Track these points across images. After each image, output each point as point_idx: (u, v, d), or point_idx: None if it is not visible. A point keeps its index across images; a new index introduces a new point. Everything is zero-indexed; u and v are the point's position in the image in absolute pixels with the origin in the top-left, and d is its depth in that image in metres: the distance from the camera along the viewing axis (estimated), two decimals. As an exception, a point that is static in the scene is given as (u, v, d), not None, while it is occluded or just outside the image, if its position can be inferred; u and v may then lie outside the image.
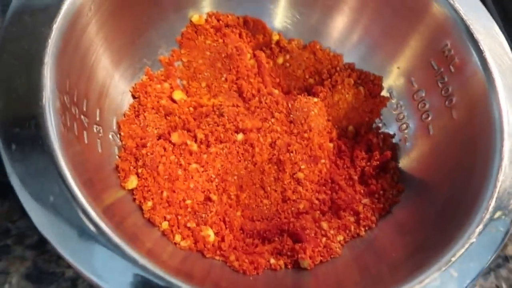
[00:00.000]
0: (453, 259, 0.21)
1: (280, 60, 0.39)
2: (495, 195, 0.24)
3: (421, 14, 0.32)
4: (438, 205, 0.29)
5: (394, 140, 0.36)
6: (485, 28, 0.30)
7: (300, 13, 0.38)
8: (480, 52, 0.29)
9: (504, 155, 0.25)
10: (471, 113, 0.29)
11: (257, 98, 0.36)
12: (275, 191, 0.32)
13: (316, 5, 0.37)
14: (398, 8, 0.33)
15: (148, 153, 0.30)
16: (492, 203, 0.23)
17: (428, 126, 0.33)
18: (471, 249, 0.22)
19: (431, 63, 0.33)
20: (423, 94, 0.34)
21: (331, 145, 0.35)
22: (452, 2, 0.30)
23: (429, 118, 0.33)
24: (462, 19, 0.30)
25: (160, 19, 0.34)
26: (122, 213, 0.26)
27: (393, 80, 0.37)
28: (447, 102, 0.32)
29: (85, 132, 0.26)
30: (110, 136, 0.30)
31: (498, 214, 0.23)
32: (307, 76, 0.39)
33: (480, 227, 0.22)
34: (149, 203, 0.28)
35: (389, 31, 0.35)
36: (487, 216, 0.23)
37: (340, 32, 0.37)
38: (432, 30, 0.32)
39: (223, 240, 0.29)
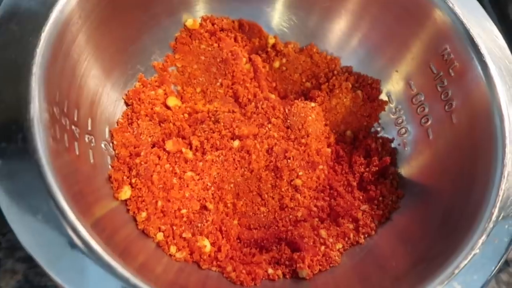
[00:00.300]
0: (456, 271, 0.21)
1: (276, 64, 0.38)
2: (498, 204, 0.23)
3: (421, 18, 0.31)
4: (439, 212, 0.28)
5: (393, 145, 0.35)
6: (485, 31, 0.30)
7: (297, 17, 0.38)
8: (480, 56, 0.29)
9: (507, 162, 0.24)
10: (471, 118, 0.29)
11: (253, 104, 0.35)
12: (273, 198, 0.32)
13: (314, 8, 0.36)
14: (398, 13, 0.32)
15: (142, 162, 0.29)
16: (495, 212, 0.22)
17: (428, 131, 0.33)
18: (475, 260, 0.21)
19: (430, 67, 0.32)
20: (422, 98, 0.33)
21: (329, 150, 0.35)
22: (452, 6, 0.30)
23: (429, 123, 0.33)
24: (462, 23, 0.30)
25: (153, 24, 0.34)
26: (114, 225, 0.25)
27: (391, 84, 0.36)
28: (446, 107, 0.31)
29: (76, 143, 0.25)
30: (103, 146, 0.29)
31: (501, 223, 0.22)
32: (304, 80, 0.39)
33: (484, 237, 0.22)
34: (143, 214, 0.28)
35: (389, 35, 0.34)
36: (490, 225, 0.22)
37: (339, 36, 0.37)
38: (432, 34, 0.31)
39: (219, 250, 0.28)
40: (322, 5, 0.36)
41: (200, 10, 0.37)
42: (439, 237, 0.26)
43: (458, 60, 0.30)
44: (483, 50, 0.28)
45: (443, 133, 0.31)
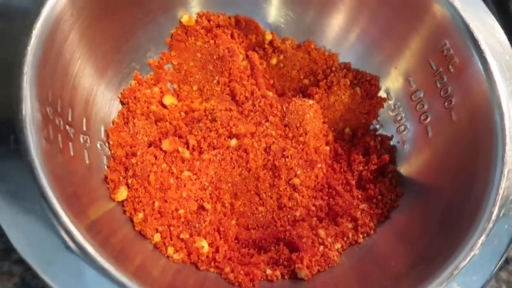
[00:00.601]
0: (455, 272, 0.21)
1: (273, 61, 0.38)
2: (498, 203, 0.23)
3: (420, 13, 0.31)
4: (439, 211, 0.28)
5: (392, 142, 0.35)
6: (485, 26, 0.29)
7: (294, 12, 0.37)
8: (480, 52, 0.28)
9: (507, 160, 0.24)
10: (471, 115, 0.28)
11: (250, 101, 0.35)
12: (271, 198, 0.31)
13: (311, 3, 0.36)
14: (397, 7, 0.32)
15: (138, 162, 0.29)
16: (495, 212, 0.22)
17: (427, 128, 0.32)
18: (474, 260, 0.21)
19: (429, 62, 0.32)
20: (422, 95, 0.33)
21: (327, 148, 0.34)
22: (451, 0, 0.29)
23: (428, 120, 0.32)
24: (461, 18, 0.29)
25: (148, 21, 0.33)
26: (111, 227, 0.25)
27: (390, 81, 0.36)
28: (446, 103, 0.31)
29: (70, 143, 0.25)
30: (98, 146, 0.29)
31: (501, 223, 0.22)
32: (302, 77, 0.38)
33: (483, 237, 0.21)
34: (140, 215, 0.27)
35: (388, 30, 0.33)
36: (490, 225, 0.22)
37: (337, 32, 0.36)
38: (432, 29, 0.31)
39: (217, 251, 0.28)
40: (320, 0, 0.35)
41: (196, 6, 0.37)
42: (438, 236, 0.26)
43: (458, 56, 0.30)
44: (483, 45, 0.28)
45: (443, 130, 0.31)
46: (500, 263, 0.21)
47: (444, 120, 0.31)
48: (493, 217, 0.22)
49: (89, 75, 0.28)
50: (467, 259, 0.21)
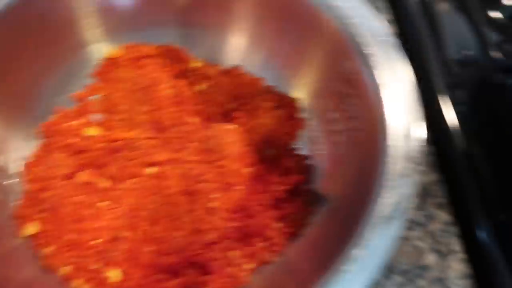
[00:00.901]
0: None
1: (200, 87, 0.39)
2: (376, 221, 0.24)
3: (316, 36, 0.33)
4: (341, 229, 0.29)
5: (309, 162, 0.36)
6: (382, 48, 0.31)
7: (215, 38, 0.39)
8: (372, 75, 0.30)
9: (388, 179, 0.26)
10: (368, 136, 0.30)
11: (173, 129, 0.36)
12: (187, 223, 0.32)
13: (208, 27, 0.38)
14: (294, 31, 0.34)
15: (52, 196, 0.30)
16: (367, 232, 0.24)
17: (337, 147, 0.34)
18: (344, 278, 0.22)
19: (336, 83, 0.33)
20: (333, 115, 0.35)
21: (247, 170, 0.36)
22: (347, 22, 0.31)
23: (338, 139, 0.34)
24: (358, 43, 0.31)
25: (68, 57, 0.34)
26: (14, 265, 0.26)
27: (305, 101, 0.37)
28: (351, 124, 0.32)
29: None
30: (13, 181, 0.30)
31: (371, 241, 0.23)
32: (227, 102, 0.39)
33: (363, 252, 0.23)
34: (49, 249, 0.28)
35: (292, 52, 0.35)
36: (363, 243, 0.23)
37: (243, 52, 0.38)
38: (331, 51, 0.33)
39: (130, 278, 0.29)
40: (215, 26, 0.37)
41: (120, 38, 0.38)
42: (335, 254, 0.27)
43: (356, 78, 0.31)
44: (376, 69, 0.30)
45: (350, 149, 0.32)
46: (370, 280, 0.22)
47: (350, 139, 0.32)
48: (365, 236, 0.24)
49: (4, 117, 0.29)
50: (342, 274, 0.22)
